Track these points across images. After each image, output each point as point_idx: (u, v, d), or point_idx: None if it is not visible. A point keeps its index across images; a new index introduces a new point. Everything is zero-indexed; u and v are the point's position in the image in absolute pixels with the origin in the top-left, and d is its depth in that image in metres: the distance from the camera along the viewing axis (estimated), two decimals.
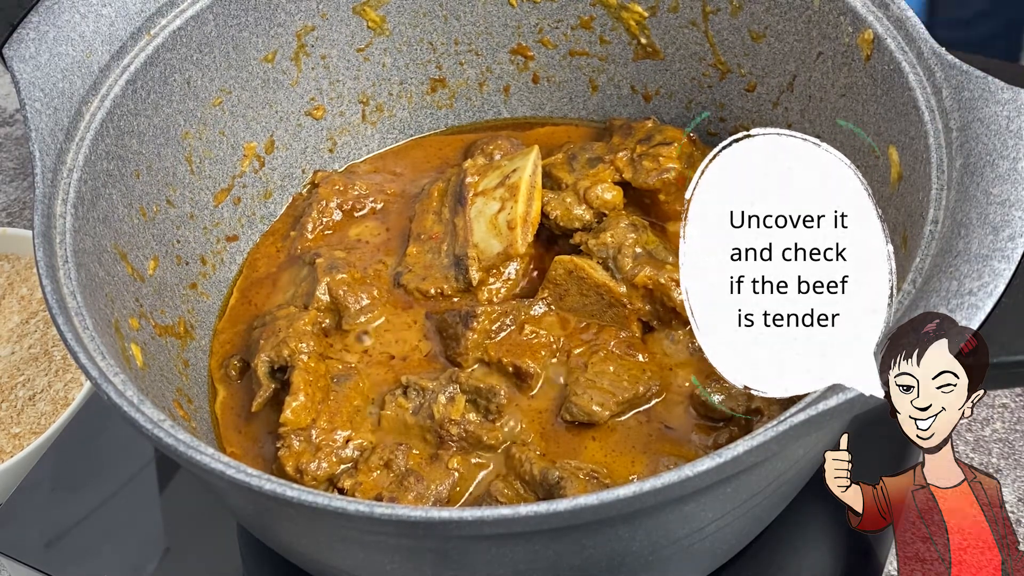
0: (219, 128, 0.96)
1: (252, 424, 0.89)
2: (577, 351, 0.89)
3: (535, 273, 0.94)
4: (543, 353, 0.88)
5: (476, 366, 0.89)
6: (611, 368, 0.86)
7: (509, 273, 0.93)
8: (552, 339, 0.89)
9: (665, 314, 0.89)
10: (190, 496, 0.92)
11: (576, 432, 0.85)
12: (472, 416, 0.85)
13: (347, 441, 0.84)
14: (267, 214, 1.03)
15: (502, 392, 0.86)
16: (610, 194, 0.94)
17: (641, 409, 0.86)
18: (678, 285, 0.88)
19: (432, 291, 0.93)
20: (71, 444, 0.95)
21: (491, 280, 0.93)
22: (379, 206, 1.01)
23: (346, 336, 0.92)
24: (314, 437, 0.84)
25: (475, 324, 0.88)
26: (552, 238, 0.96)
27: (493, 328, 0.89)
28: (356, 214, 1.01)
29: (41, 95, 0.81)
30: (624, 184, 0.95)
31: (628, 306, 0.89)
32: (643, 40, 1.00)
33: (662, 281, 0.88)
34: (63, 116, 0.82)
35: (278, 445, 0.84)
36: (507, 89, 1.07)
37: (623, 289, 0.89)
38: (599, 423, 0.85)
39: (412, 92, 1.07)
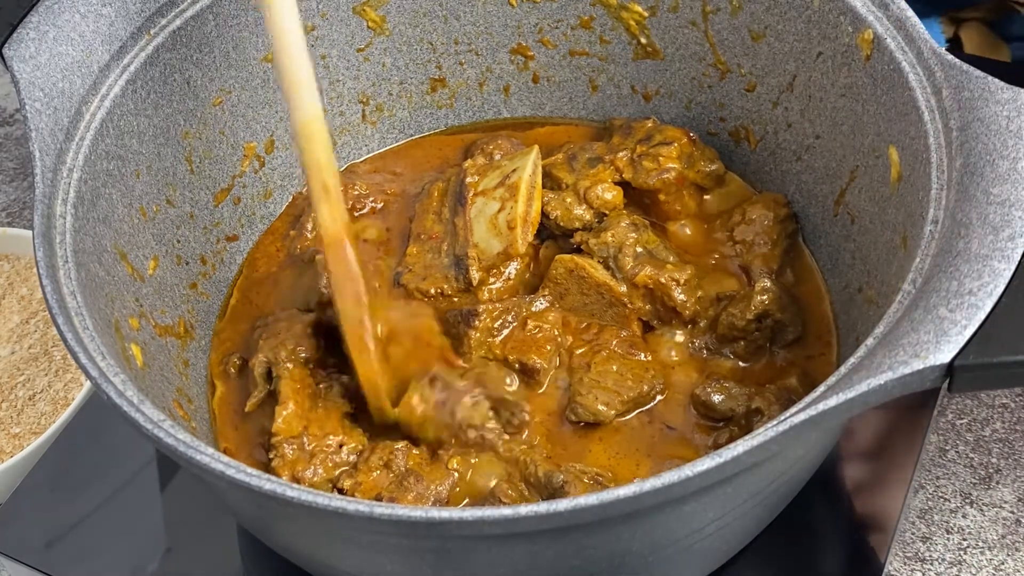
0: (219, 128, 0.96)
1: (248, 421, 0.89)
2: (579, 351, 0.89)
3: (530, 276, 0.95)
4: (548, 348, 0.88)
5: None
6: (614, 367, 0.86)
7: (509, 273, 0.93)
8: (556, 332, 0.89)
9: (666, 313, 0.89)
10: (190, 496, 0.92)
11: (582, 434, 0.85)
12: (492, 424, 0.84)
13: (340, 446, 0.84)
14: (267, 214, 1.03)
15: (526, 411, 0.85)
16: (610, 194, 0.94)
17: (644, 408, 0.86)
18: (679, 284, 0.88)
19: (432, 291, 0.93)
20: (71, 444, 0.95)
21: (491, 280, 0.93)
22: (379, 206, 1.01)
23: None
24: (307, 444, 0.84)
25: (477, 322, 0.88)
26: (552, 238, 0.96)
27: (495, 325, 0.88)
28: (356, 214, 1.01)
29: (41, 95, 0.81)
30: (624, 184, 0.95)
31: (628, 306, 0.89)
32: (643, 40, 1.00)
33: (663, 280, 0.88)
34: (63, 116, 0.82)
35: (270, 456, 0.83)
36: (507, 89, 1.07)
37: (623, 288, 0.89)
38: (605, 423, 0.85)
39: (412, 92, 1.07)
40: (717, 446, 0.83)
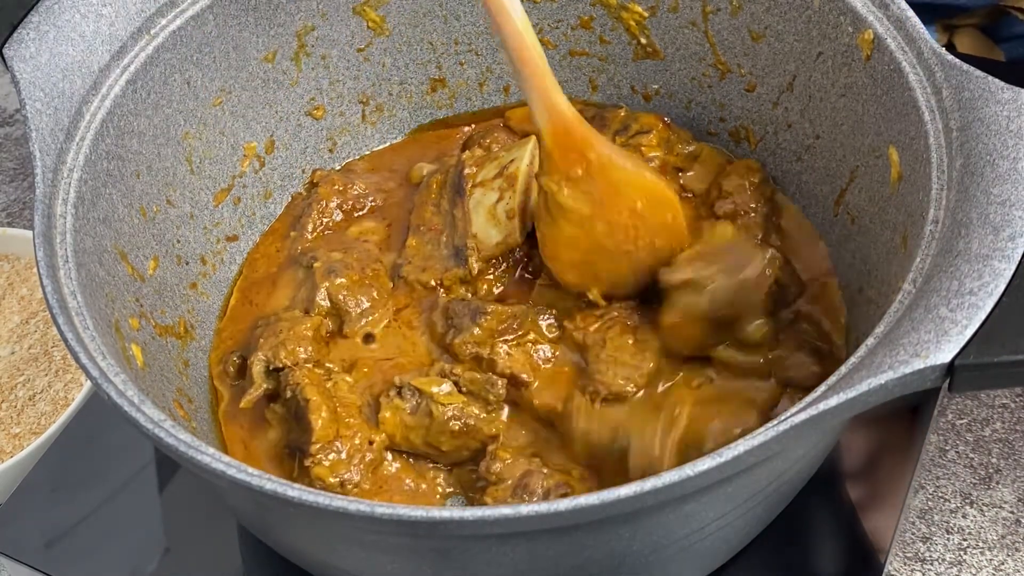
0: (219, 128, 0.96)
1: (250, 417, 0.89)
2: (593, 327, 0.88)
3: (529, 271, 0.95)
4: (541, 366, 0.88)
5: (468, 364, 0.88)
6: (630, 340, 0.86)
7: (508, 263, 0.93)
8: (552, 354, 0.88)
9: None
10: (190, 496, 0.92)
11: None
12: (473, 410, 0.85)
13: (370, 442, 0.84)
14: (267, 214, 1.03)
15: (499, 382, 0.85)
16: None
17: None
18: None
19: (432, 282, 0.93)
20: (71, 444, 0.95)
21: (490, 270, 0.93)
22: (379, 204, 1.01)
23: (348, 340, 0.92)
24: (341, 448, 0.83)
25: (482, 321, 0.88)
26: None
27: (499, 328, 0.88)
28: (356, 214, 1.01)
29: (41, 95, 0.81)
30: None
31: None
32: (643, 40, 1.00)
33: None
34: (63, 116, 0.82)
35: (307, 464, 0.83)
36: (507, 89, 1.07)
37: None
38: (628, 398, 0.84)
39: (412, 92, 1.07)
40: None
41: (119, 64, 0.86)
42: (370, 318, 0.92)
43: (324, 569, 0.79)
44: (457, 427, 0.84)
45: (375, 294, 0.93)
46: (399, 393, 0.85)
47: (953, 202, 0.70)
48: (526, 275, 0.94)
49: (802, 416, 0.62)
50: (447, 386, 0.85)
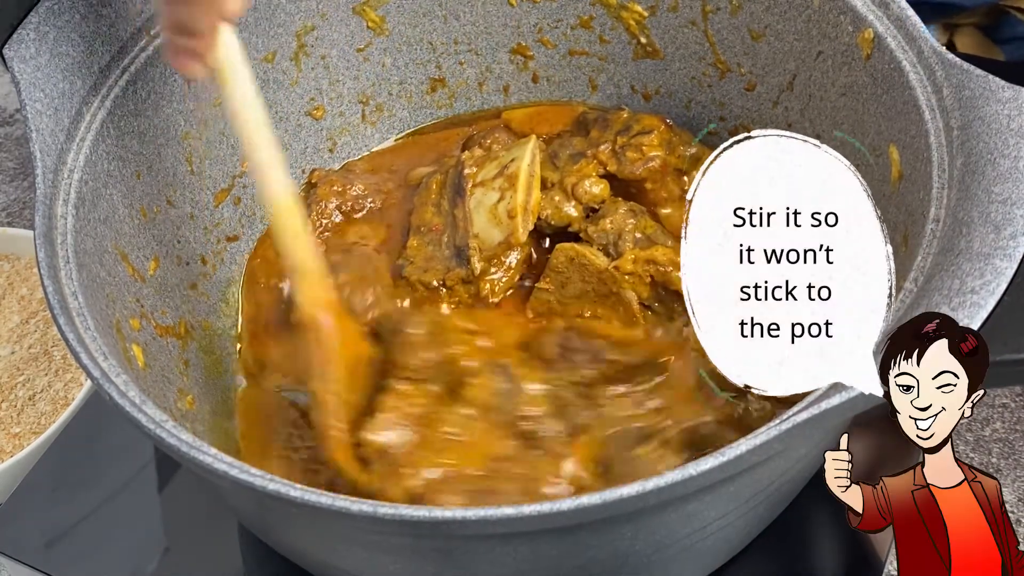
0: (219, 128, 0.96)
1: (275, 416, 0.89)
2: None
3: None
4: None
5: None
6: None
7: (510, 262, 0.93)
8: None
9: (668, 297, 0.89)
10: (190, 496, 0.92)
11: None
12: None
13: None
14: (267, 214, 1.02)
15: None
16: (598, 188, 0.94)
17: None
18: (676, 268, 0.88)
19: (434, 282, 0.93)
20: (71, 444, 0.95)
21: (492, 270, 0.93)
22: (378, 205, 1.01)
23: None
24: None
25: None
26: (545, 237, 0.96)
27: None
28: (356, 215, 1.01)
29: (42, 95, 0.81)
30: (609, 176, 0.95)
31: (631, 291, 0.89)
32: (643, 39, 1.00)
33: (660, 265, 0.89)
34: (64, 116, 0.82)
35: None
36: (507, 89, 1.07)
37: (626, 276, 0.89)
38: None
39: (412, 92, 1.07)
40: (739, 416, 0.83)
41: (119, 64, 0.86)
42: (375, 312, 0.92)
43: (325, 569, 0.79)
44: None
45: (380, 289, 0.93)
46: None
47: (954, 201, 0.70)
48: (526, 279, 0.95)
49: (804, 415, 0.62)
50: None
